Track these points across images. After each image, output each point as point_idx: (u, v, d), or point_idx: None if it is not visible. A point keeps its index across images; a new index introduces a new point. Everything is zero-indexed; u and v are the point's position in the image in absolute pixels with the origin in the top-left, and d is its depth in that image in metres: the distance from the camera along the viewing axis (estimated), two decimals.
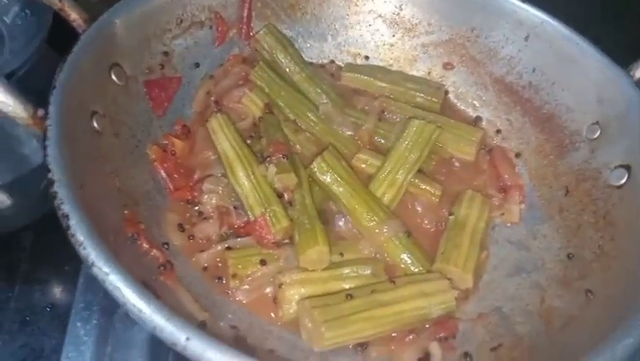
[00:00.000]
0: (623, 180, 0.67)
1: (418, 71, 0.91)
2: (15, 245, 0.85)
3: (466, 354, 0.60)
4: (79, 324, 0.72)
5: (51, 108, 0.54)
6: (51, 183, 0.48)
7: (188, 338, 0.41)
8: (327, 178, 0.71)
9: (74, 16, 0.66)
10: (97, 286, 0.74)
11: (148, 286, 0.49)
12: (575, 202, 0.72)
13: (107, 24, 0.67)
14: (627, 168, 0.67)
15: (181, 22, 0.78)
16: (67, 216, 0.46)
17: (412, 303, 0.62)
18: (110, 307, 0.74)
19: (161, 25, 0.76)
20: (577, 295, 0.61)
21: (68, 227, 0.46)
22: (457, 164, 0.82)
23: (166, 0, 0.75)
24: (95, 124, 0.63)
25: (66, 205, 0.47)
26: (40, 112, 0.55)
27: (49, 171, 0.49)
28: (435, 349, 0.60)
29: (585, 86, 0.75)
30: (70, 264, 0.81)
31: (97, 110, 0.63)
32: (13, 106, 0.54)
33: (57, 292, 0.82)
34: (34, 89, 0.73)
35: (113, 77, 0.68)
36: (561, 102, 0.79)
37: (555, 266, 0.68)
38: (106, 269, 0.43)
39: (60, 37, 0.73)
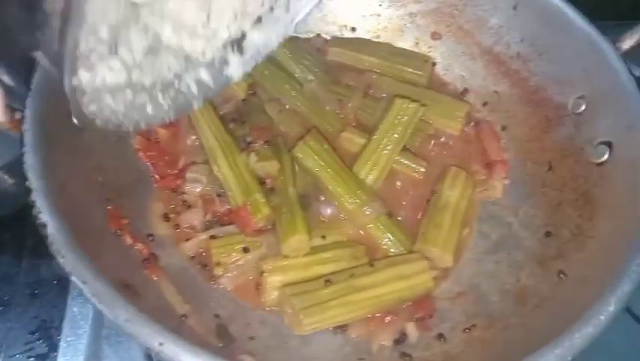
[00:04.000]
0: (604, 158, 0.66)
1: (406, 41, 0.89)
2: (20, 222, 0.86)
3: (440, 335, 0.62)
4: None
5: (27, 113, 0.55)
6: (28, 191, 0.50)
7: (161, 344, 0.43)
8: (310, 163, 0.72)
9: None
10: None
11: (128, 285, 0.52)
12: (557, 178, 0.72)
13: None
14: (609, 145, 0.66)
15: None
16: (44, 226, 0.48)
17: (389, 286, 0.63)
18: None
19: None
20: (550, 275, 0.62)
21: (46, 236, 0.47)
22: (442, 139, 0.81)
23: None
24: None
25: (44, 214, 0.48)
26: (18, 115, 0.56)
27: (27, 179, 0.50)
28: (411, 330, 0.62)
29: (572, 58, 0.73)
30: None
31: None
32: None
33: None
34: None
35: None
36: (549, 74, 0.77)
37: (534, 244, 0.69)
38: (82, 279, 0.45)
39: None
